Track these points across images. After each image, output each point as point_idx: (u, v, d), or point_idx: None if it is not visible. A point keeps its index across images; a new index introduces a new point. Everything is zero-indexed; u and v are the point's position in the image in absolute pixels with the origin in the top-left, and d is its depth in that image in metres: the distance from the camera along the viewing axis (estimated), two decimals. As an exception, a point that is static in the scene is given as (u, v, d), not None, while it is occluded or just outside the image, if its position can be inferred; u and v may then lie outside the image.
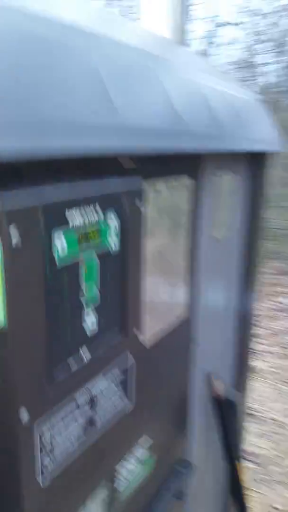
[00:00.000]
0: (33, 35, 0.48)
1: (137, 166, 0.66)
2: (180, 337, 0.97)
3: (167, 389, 0.96)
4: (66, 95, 0.48)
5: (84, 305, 0.55)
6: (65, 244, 0.50)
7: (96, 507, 0.78)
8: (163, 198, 0.80)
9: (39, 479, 0.52)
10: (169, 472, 1.05)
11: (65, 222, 0.50)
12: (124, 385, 0.66)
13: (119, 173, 0.60)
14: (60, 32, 0.54)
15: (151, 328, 0.83)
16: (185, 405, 1.07)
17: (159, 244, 0.81)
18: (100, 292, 0.57)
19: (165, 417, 0.98)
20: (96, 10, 0.80)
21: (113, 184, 0.57)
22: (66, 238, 0.50)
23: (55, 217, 0.48)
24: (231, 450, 1.28)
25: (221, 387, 1.19)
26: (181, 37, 1.42)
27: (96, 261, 0.55)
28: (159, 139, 0.65)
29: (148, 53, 0.75)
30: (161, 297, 0.85)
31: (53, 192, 0.48)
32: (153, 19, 1.29)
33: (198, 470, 1.15)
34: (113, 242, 0.58)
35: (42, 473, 0.53)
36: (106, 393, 0.62)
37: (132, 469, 0.86)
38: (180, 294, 0.92)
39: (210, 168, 1.01)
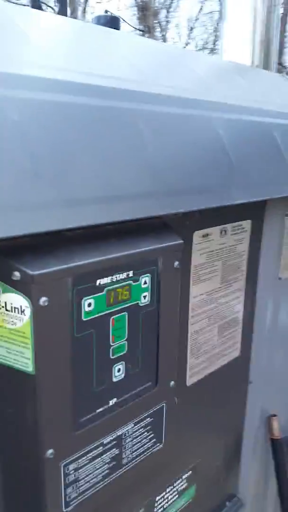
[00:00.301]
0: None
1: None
2: (234, 376, 0.97)
3: (217, 427, 0.97)
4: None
5: (113, 359, 0.60)
6: (92, 303, 0.55)
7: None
8: (221, 243, 0.82)
9: (65, 507, 0.58)
10: (217, 507, 1.06)
11: (93, 282, 0.54)
12: (157, 428, 0.70)
13: (155, 232, 0.63)
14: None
15: (200, 371, 0.86)
16: (238, 443, 1.06)
17: (213, 289, 0.83)
18: (130, 347, 0.61)
19: (214, 454, 1.00)
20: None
21: (148, 245, 0.60)
22: (94, 298, 0.55)
23: (83, 278, 0.53)
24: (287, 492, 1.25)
25: (279, 428, 1.16)
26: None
27: (126, 318, 0.60)
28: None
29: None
30: (214, 340, 0.87)
31: (82, 254, 0.53)
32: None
33: (251, 508, 1.14)
34: (145, 299, 0.62)
35: (68, 504, 0.59)
36: (136, 437, 0.66)
37: (170, 498, 0.89)
38: (235, 335, 0.93)
39: (278, 208, 1.00)
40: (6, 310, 0.50)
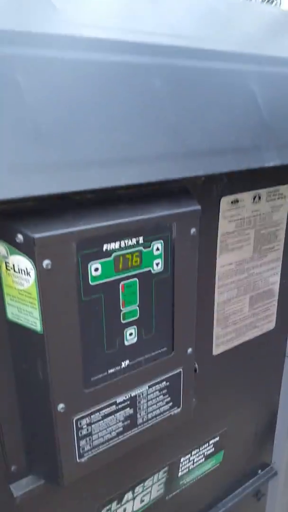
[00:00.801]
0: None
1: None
2: (268, 349, 0.95)
3: (249, 397, 0.97)
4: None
5: (124, 323, 0.61)
6: (99, 268, 0.56)
7: (156, 487, 0.86)
8: (254, 210, 0.79)
9: (79, 458, 0.62)
10: (248, 474, 1.07)
11: (100, 247, 0.55)
12: (174, 392, 0.71)
13: (171, 198, 0.62)
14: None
15: (227, 341, 0.85)
16: (273, 414, 1.05)
17: (243, 258, 0.81)
18: (142, 312, 0.62)
19: (245, 423, 1.00)
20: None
21: (160, 211, 0.59)
22: (101, 263, 0.56)
23: (89, 243, 0.54)
24: None
25: None
26: None
27: (137, 284, 0.60)
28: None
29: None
30: (244, 311, 0.85)
31: (89, 219, 0.54)
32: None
33: (285, 478, 1.14)
34: (158, 267, 0.62)
35: (81, 456, 0.62)
36: (151, 399, 0.68)
37: (196, 461, 0.91)
38: (269, 307, 0.91)
39: None
40: (15, 271, 0.53)
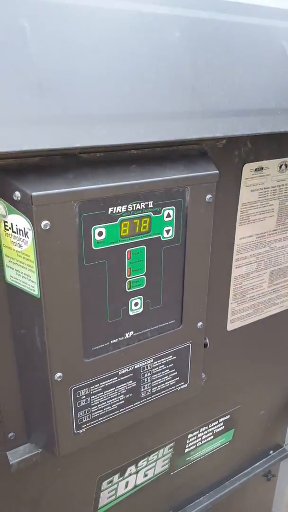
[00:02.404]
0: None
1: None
2: (286, 326, 0.90)
3: (264, 377, 0.93)
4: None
5: (129, 292, 0.57)
6: (104, 232, 0.52)
7: (161, 462, 0.84)
8: (280, 179, 0.73)
9: (76, 429, 0.60)
10: (259, 454, 1.04)
11: (105, 210, 0.51)
12: (182, 367, 0.67)
13: (187, 160, 0.57)
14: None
15: (244, 317, 0.81)
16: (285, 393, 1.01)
17: (265, 231, 0.76)
18: (149, 282, 0.58)
19: (258, 402, 0.96)
20: None
21: (173, 174, 0.55)
22: (105, 227, 0.52)
23: (92, 205, 0.50)
24: None
25: None
26: None
27: (145, 252, 0.56)
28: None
29: None
30: (263, 287, 0.80)
31: (94, 179, 0.50)
32: None
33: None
34: (168, 234, 0.57)
35: (80, 427, 0.60)
36: (157, 372, 0.65)
37: (204, 438, 0.88)
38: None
39: None
40: (13, 231, 0.50)
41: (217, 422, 0.89)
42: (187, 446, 0.87)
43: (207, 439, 0.89)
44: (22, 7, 0.44)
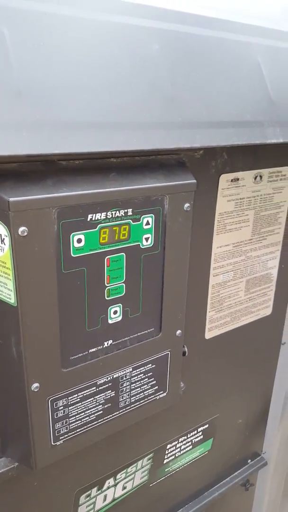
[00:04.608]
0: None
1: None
2: (264, 336, 0.91)
3: (241, 385, 0.94)
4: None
5: (108, 300, 0.57)
6: (83, 239, 0.52)
7: (140, 474, 0.83)
8: (255, 190, 0.75)
9: (53, 441, 0.59)
10: (238, 463, 1.04)
11: (84, 217, 0.51)
12: (161, 376, 0.67)
13: (165, 170, 0.58)
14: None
15: (221, 325, 0.81)
16: (266, 404, 1.02)
17: (241, 240, 0.77)
18: (129, 289, 0.58)
19: (236, 411, 0.96)
20: None
21: (152, 182, 0.55)
22: (84, 234, 0.52)
23: (71, 212, 0.50)
24: None
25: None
26: None
27: (124, 259, 0.56)
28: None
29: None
30: (240, 295, 0.81)
31: (73, 185, 0.50)
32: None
33: (275, 468, 1.11)
34: (147, 242, 0.58)
35: (57, 439, 0.59)
36: (135, 381, 0.65)
37: (183, 448, 0.88)
38: (267, 292, 0.87)
39: None
40: (-10, 239, 0.49)
41: (196, 431, 0.89)
42: (166, 457, 0.86)
43: (186, 449, 0.89)
44: (1, 14, 0.44)
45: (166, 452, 0.85)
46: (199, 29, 0.59)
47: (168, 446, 0.85)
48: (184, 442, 0.88)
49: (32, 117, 0.44)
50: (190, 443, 0.89)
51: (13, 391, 0.55)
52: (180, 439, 0.87)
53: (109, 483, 0.78)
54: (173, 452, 0.87)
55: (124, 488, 0.82)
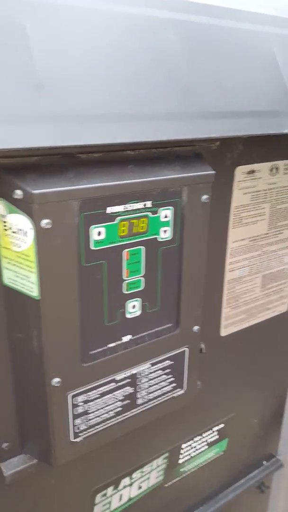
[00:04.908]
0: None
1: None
2: (280, 333, 0.90)
3: (257, 383, 0.93)
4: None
5: (127, 294, 0.56)
6: (103, 232, 0.51)
7: (155, 473, 0.82)
8: (271, 182, 0.74)
9: (72, 437, 0.58)
10: (253, 464, 1.03)
11: (103, 209, 0.51)
12: (178, 373, 0.66)
13: (182, 161, 0.57)
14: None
15: (237, 322, 0.80)
16: (281, 403, 1.01)
17: (257, 235, 0.76)
18: (147, 283, 0.58)
19: (251, 410, 0.95)
20: None
21: (170, 174, 0.55)
22: (105, 227, 0.51)
23: (92, 204, 0.49)
24: None
25: None
26: None
27: (143, 252, 0.56)
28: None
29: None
30: (256, 291, 0.80)
31: (93, 178, 0.49)
32: None
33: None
34: (165, 235, 0.57)
35: (76, 435, 0.58)
36: (153, 378, 0.64)
37: (198, 448, 0.87)
38: (283, 288, 0.86)
39: None
40: (13, 232, 0.48)
41: (211, 431, 0.87)
42: (181, 457, 0.85)
43: (202, 449, 0.88)
44: (22, 7, 0.44)
45: (181, 452, 0.84)
46: (214, 20, 0.59)
47: (183, 445, 0.84)
48: (200, 441, 0.87)
49: (53, 110, 0.44)
50: (205, 443, 0.88)
51: (33, 386, 0.55)
52: (196, 439, 0.85)
53: (125, 482, 0.77)
54: (188, 452, 0.86)
55: (139, 487, 0.81)
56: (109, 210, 0.51)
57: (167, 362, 0.64)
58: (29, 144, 0.42)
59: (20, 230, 0.48)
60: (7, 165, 0.47)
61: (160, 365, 0.63)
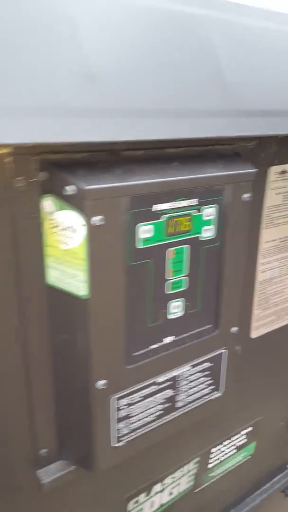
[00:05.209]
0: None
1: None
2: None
3: (285, 386, 0.91)
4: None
5: (170, 294, 0.55)
6: (149, 230, 0.51)
7: (186, 479, 0.80)
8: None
9: (113, 442, 0.57)
10: (278, 468, 1.01)
11: (150, 207, 0.50)
12: (216, 375, 0.65)
13: (223, 160, 0.57)
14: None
15: (267, 324, 0.79)
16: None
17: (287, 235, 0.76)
18: (190, 283, 0.57)
19: (279, 413, 0.94)
20: None
21: (213, 171, 0.54)
22: (152, 224, 0.51)
23: (140, 201, 0.49)
24: None
25: None
26: None
27: (187, 251, 0.55)
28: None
29: None
30: (286, 293, 0.80)
31: (141, 175, 0.49)
32: None
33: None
34: (208, 233, 0.56)
35: (118, 440, 0.57)
36: (193, 380, 0.63)
37: (227, 452, 0.86)
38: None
39: None
40: (61, 229, 0.47)
41: (239, 434, 0.86)
42: (210, 461, 0.83)
43: (230, 453, 0.86)
44: (73, 0, 0.43)
45: (211, 456, 0.83)
46: (254, 20, 0.59)
47: (213, 450, 0.83)
48: (229, 445, 0.85)
49: (105, 104, 0.43)
50: (234, 447, 0.86)
51: (75, 389, 0.54)
52: (225, 443, 0.84)
53: (156, 488, 0.76)
54: (218, 456, 0.84)
55: (170, 493, 0.79)
56: (156, 207, 0.50)
57: (206, 364, 0.63)
58: (82, 138, 0.41)
59: (69, 227, 0.47)
60: (57, 161, 0.46)
61: (199, 367, 0.62)
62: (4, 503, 0.57)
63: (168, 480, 0.77)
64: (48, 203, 0.47)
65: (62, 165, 0.46)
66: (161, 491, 0.77)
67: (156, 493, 0.76)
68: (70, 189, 0.45)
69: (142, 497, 0.74)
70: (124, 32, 0.46)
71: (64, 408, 0.56)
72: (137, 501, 0.74)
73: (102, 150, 0.49)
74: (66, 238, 0.47)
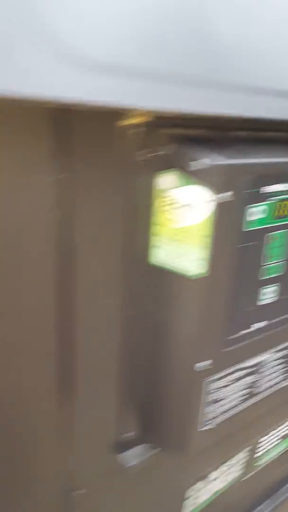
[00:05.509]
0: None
1: None
2: None
3: None
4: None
5: (267, 279, 0.55)
6: (257, 212, 0.50)
7: (237, 467, 0.80)
8: None
9: (200, 426, 0.56)
10: None
11: (268, 185, 0.49)
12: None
13: None
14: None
15: None
16: None
17: None
18: (286, 267, 0.56)
19: None
20: None
21: None
22: (264, 205, 0.50)
23: (262, 178, 0.48)
24: None
25: None
26: None
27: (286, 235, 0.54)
28: None
29: None
30: None
31: (261, 154, 0.48)
32: None
33: None
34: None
35: (204, 424, 0.56)
36: (274, 366, 0.62)
37: (273, 441, 0.86)
38: None
39: None
40: (177, 206, 0.46)
41: (286, 424, 0.87)
42: (257, 451, 0.84)
43: (276, 442, 0.87)
44: None
45: (258, 446, 0.83)
46: None
47: (262, 439, 0.83)
48: (275, 435, 0.85)
49: (232, 80, 0.42)
50: (279, 436, 0.87)
51: (169, 371, 0.52)
52: (272, 432, 0.84)
53: (212, 476, 0.75)
54: (265, 446, 0.84)
55: (223, 481, 0.79)
56: (271, 189, 0.50)
57: (286, 351, 0.63)
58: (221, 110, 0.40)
59: (188, 204, 0.45)
60: (182, 136, 0.45)
61: (282, 353, 0.62)
62: (87, 486, 0.56)
63: (223, 468, 0.77)
64: (167, 179, 0.46)
65: (189, 140, 0.44)
66: (215, 478, 0.77)
67: (212, 480, 0.76)
68: (197, 164, 0.43)
69: (199, 484, 0.74)
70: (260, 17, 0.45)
71: (154, 390, 0.55)
72: (194, 489, 0.73)
73: (217, 128, 0.48)
74: (181, 216, 0.46)
